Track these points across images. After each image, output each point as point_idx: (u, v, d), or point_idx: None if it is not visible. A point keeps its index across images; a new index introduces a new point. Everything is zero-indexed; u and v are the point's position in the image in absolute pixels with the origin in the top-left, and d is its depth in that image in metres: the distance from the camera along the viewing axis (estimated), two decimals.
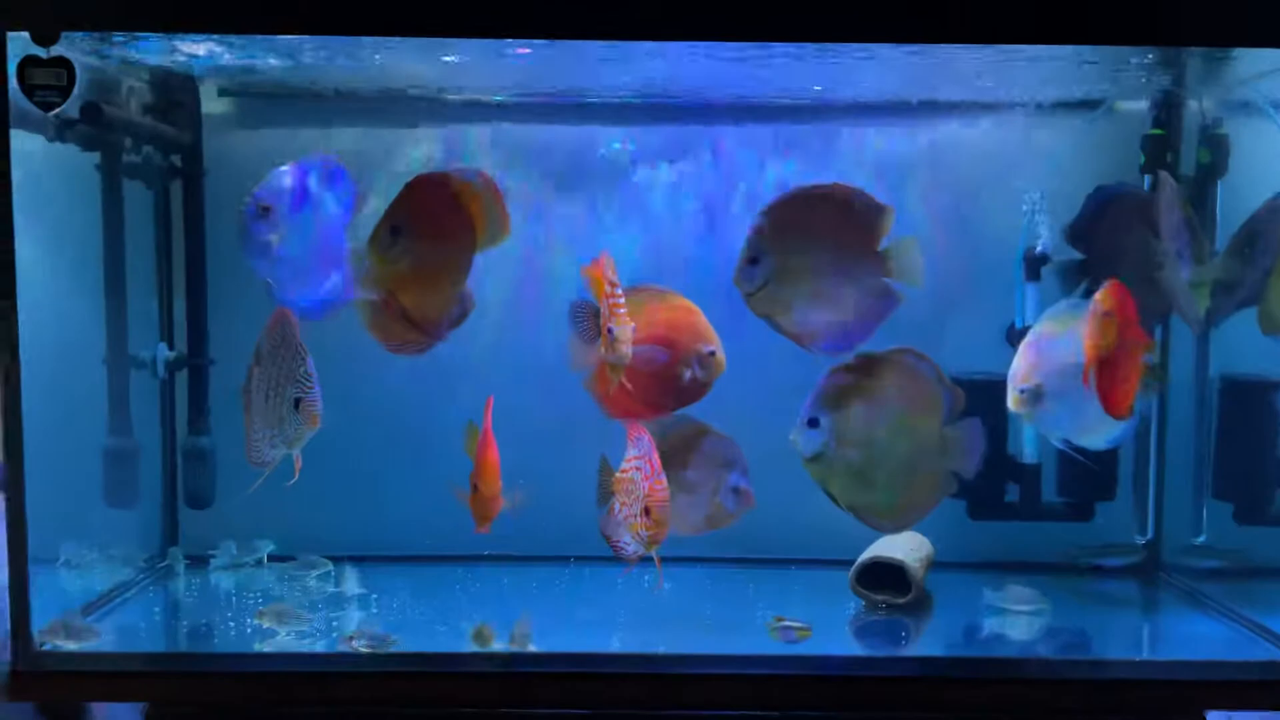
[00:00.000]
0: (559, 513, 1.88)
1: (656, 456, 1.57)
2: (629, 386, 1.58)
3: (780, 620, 1.65)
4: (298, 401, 1.54)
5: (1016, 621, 1.78)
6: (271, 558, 1.95)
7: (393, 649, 1.54)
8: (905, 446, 1.66)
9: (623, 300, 1.55)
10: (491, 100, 1.98)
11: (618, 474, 1.58)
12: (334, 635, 1.62)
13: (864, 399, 1.66)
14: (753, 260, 1.62)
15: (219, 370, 1.97)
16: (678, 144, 2.00)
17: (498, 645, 1.53)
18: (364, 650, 1.53)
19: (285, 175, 1.68)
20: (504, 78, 1.88)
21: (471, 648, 1.55)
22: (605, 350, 1.54)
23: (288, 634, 1.61)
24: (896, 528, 1.75)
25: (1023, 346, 1.70)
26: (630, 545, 1.57)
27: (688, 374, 1.66)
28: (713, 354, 1.67)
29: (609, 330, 1.54)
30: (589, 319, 1.65)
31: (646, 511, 1.51)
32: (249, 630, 1.65)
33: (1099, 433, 1.70)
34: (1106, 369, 1.58)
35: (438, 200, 1.61)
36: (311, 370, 1.54)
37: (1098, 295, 1.58)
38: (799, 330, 1.65)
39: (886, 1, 1.45)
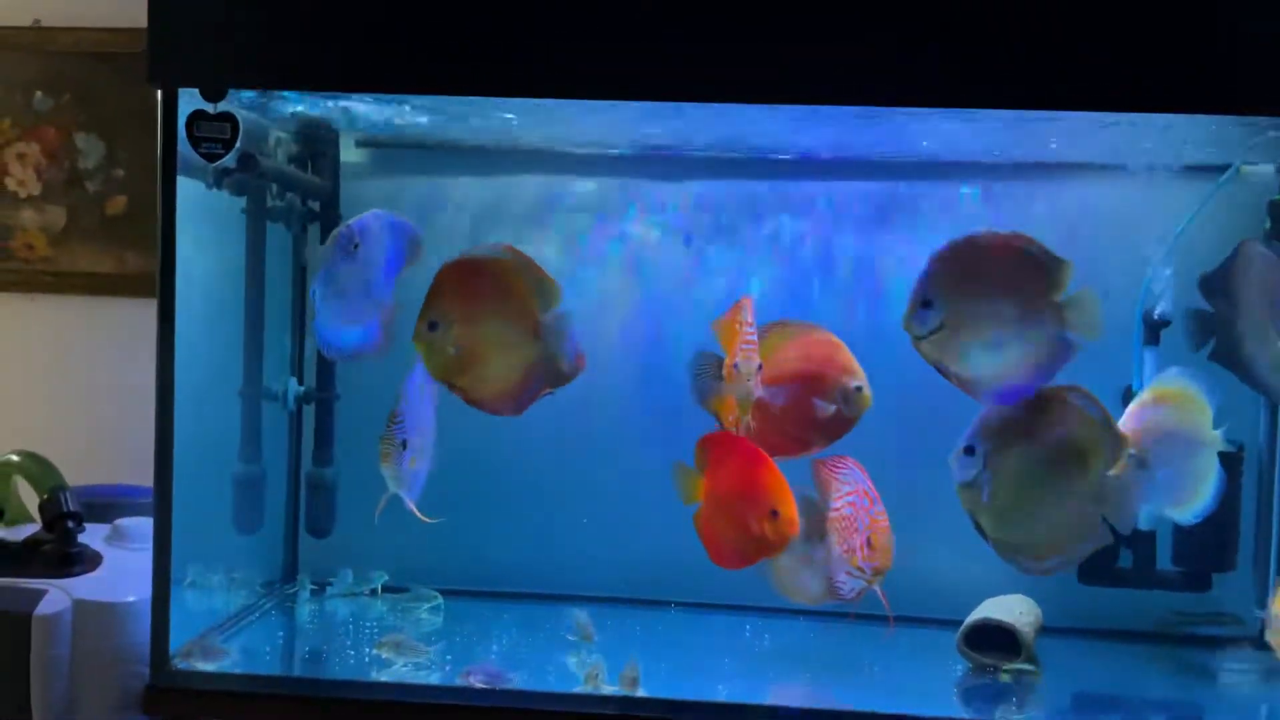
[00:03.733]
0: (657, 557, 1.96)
1: (870, 484, 1.58)
2: (752, 425, 1.59)
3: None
4: (405, 442, 1.65)
5: (1114, 692, 1.74)
6: (385, 588, 2.01)
7: (505, 685, 1.58)
8: (1061, 485, 1.62)
9: (754, 339, 1.57)
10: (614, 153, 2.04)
11: (830, 512, 1.58)
12: (448, 668, 1.66)
13: (1025, 431, 1.63)
14: (925, 304, 1.60)
15: (344, 405, 2.06)
16: (794, 197, 2.04)
17: (607, 688, 1.56)
18: (479, 685, 1.58)
19: (374, 219, 1.71)
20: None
21: (583, 688, 1.58)
22: (730, 384, 1.57)
23: (405, 665, 1.66)
24: (1039, 569, 1.69)
25: (1127, 411, 1.69)
26: (847, 584, 1.58)
27: (832, 409, 1.67)
28: (859, 389, 1.67)
29: (735, 366, 1.56)
30: (712, 367, 1.67)
31: (869, 543, 1.51)
32: (367, 659, 1.71)
33: (1193, 505, 1.66)
34: None
35: (469, 283, 1.62)
36: (400, 413, 1.64)
37: None
38: (969, 377, 1.62)
39: (1023, 69, 1.48)
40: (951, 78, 1.50)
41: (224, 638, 1.77)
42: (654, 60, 1.49)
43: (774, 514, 1.58)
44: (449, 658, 1.71)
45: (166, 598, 1.61)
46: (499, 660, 1.69)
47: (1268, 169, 1.92)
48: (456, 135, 2.01)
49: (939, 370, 1.63)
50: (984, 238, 1.62)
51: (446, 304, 1.60)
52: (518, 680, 1.59)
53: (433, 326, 1.59)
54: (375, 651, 1.69)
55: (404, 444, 1.68)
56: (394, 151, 2.09)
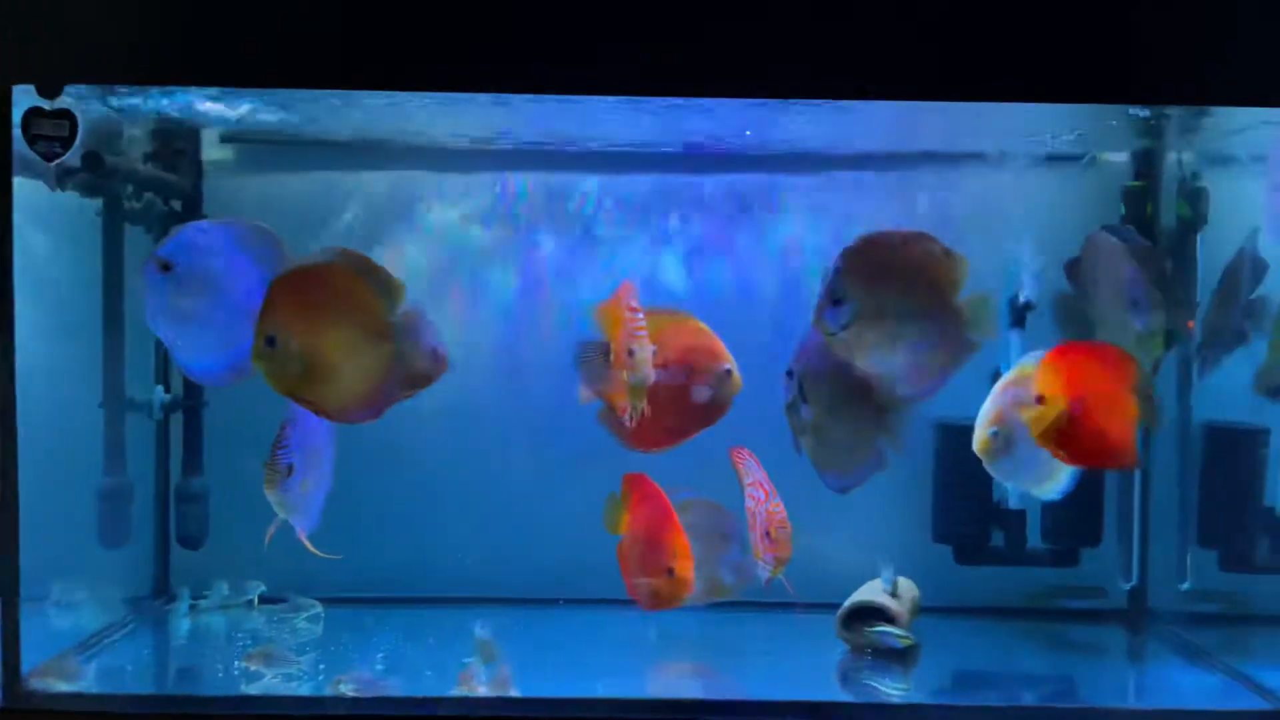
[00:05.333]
0: (546, 554, 1.94)
1: (765, 476, 1.62)
2: (647, 413, 1.60)
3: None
4: (290, 466, 1.62)
5: (997, 667, 1.79)
6: (263, 599, 1.96)
7: (380, 693, 1.55)
8: (855, 413, 1.68)
9: (643, 324, 1.57)
10: (496, 148, 2.01)
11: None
12: (321, 678, 1.63)
13: (833, 361, 1.67)
14: (836, 301, 1.62)
15: (213, 412, 2.00)
16: (666, 191, 2.05)
17: (481, 689, 1.54)
18: (350, 694, 1.54)
19: (197, 233, 1.65)
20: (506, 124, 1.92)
21: (457, 691, 1.56)
22: (627, 373, 1.57)
23: (275, 676, 1.62)
24: (838, 486, 1.75)
25: (992, 392, 1.73)
26: (764, 572, 1.63)
27: (706, 394, 1.67)
28: (729, 372, 1.68)
29: (630, 351, 1.56)
30: (597, 356, 1.67)
31: (767, 534, 1.53)
32: (236, 672, 1.66)
33: (1053, 482, 1.72)
34: (1091, 428, 1.60)
35: (305, 292, 1.55)
36: (286, 435, 1.61)
37: (1035, 379, 1.60)
38: (878, 373, 1.65)
39: (882, 61, 1.49)
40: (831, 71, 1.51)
41: (86, 656, 1.70)
42: (497, 53, 1.47)
43: (669, 571, 1.63)
44: (322, 667, 1.68)
45: (16, 616, 1.54)
46: (378, 667, 1.66)
47: (1122, 157, 1.99)
48: (329, 130, 1.95)
49: (850, 365, 1.65)
50: (890, 236, 1.65)
51: (282, 316, 1.52)
52: (391, 687, 1.56)
53: (271, 342, 1.52)
54: (243, 664, 1.65)
55: (290, 468, 1.64)
56: (261, 147, 2.03)
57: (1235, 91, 1.51)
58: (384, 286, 1.55)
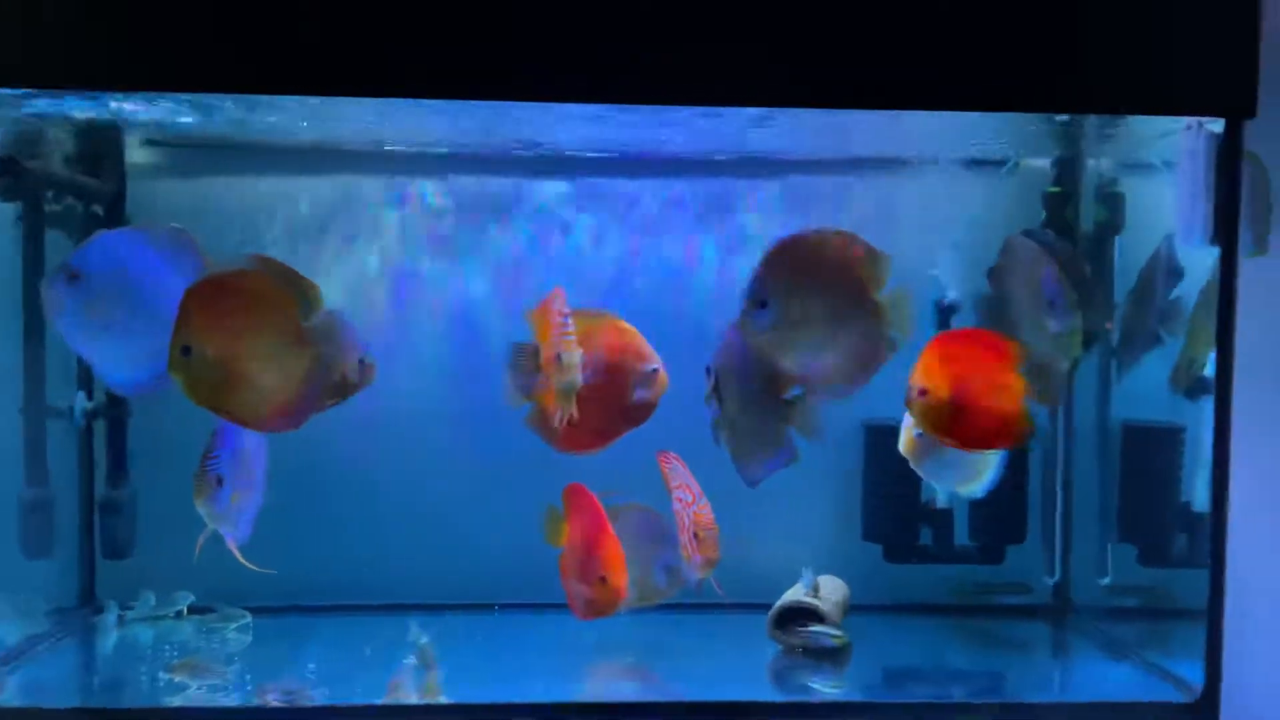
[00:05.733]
0: (482, 559, 1.94)
1: (692, 479, 1.64)
2: (575, 416, 1.60)
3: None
4: (220, 478, 1.61)
5: (927, 663, 1.82)
6: (191, 609, 1.93)
7: (309, 702, 1.54)
8: (765, 407, 1.71)
9: (572, 330, 1.58)
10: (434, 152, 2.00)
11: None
12: (249, 689, 1.61)
13: (744, 359, 1.69)
14: (761, 304, 1.64)
15: (138, 420, 1.97)
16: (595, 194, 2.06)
17: (410, 697, 1.53)
18: (276, 704, 1.53)
19: (109, 240, 1.62)
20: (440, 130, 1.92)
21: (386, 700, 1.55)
22: (555, 378, 1.57)
23: (200, 688, 1.60)
24: (750, 478, 1.76)
25: None
26: (694, 574, 1.65)
27: (634, 395, 1.68)
28: (655, 372, 1.69)
29: (558, 356, 1.56)
30: (528, 359, 1.67)
31: (695, 536, 1.57)
32: (161, 685, 1.63)
33: (978, 481, 1.76)
34: (976, 412, 1.63)
35: (220, 301, 1.53)
36: (216, 446, 1.59)
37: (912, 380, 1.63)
38: (803, 374, 1.68)
39: (799, 68, 1.51)
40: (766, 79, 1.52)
41: (9, 669, 1.67)
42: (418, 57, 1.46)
43: (602, 580, 1.65)
44: (249, 677, 1.66)
45: None
46: (308, 676, 1.65)
47: (1044, 162, 2.04)
48: (255, 133, 1.92)
49: (776, 367, 1.67)
50: (812, 236, 1.66)
51: (197, 326, 1.50)
52: (318, 696, 1.55)
53: (186, 352, 1.50)
54: (168, 675, 1.62)
55: (219, 480, 1.61)
56: (187, 151, 2.00)
57: (1145, 100, 1.55)
58: (299, 292, 1.53)
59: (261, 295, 1.51)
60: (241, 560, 1.67)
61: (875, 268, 1.64)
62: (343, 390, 1.55)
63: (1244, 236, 1.57)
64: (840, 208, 2.04)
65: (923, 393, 1.62)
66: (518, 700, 1.57)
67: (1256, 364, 1.65)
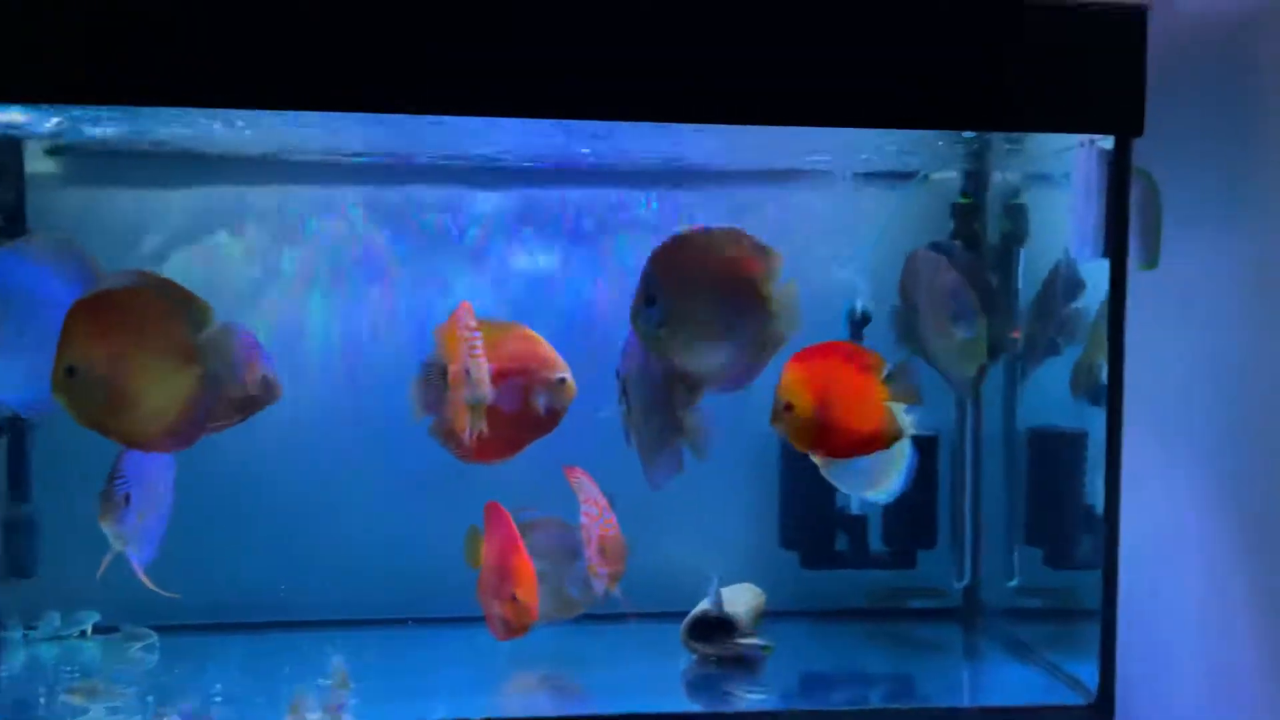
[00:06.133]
0: (400, 574, 1.92)
1: (600, 494, 1.66)
2: (485, 431, 1.59)
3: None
4: (128, 497, 1.58)
5: (842, 668, 1.85)
6: (96, 629, 1.88)
7: None
8: (665, 415, 1.72)
9: (480, 344, 1.57)
10: (348, 161, 1.98)
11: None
12: (149, 711, 1.58)
13: (648, 365, 1.71)
14: (649, 301, 1.65)
15: (41, 434, 1.91)
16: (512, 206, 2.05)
17: (312, 718, 1.51)
18: None
19: None
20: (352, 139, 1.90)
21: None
22: (465, 393, 1.56)
23: (99, 710, 1.56)
24: (654, 482, 1.77)
25: None
26: (601, 586, 1.67)
27: (541, 404, 1.68)
28: (563, 381, 1.69)
29: (467, 372, 1.55)
30: (437, 375, 1.66)
31: (601, 550, 1.59)
32: (59, 707, 1.59)
33: (884, 488, 1.79)
34: (840, 423, 1.67)
35: (105, 318, 1.50)
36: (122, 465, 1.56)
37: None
38: (694, 370, 1.68)
39: (713, 84, 1.52)
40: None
41: None
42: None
43: (514, 598, 1.66)
44: (150, 699, 1.62)
45: None
46: (213, 698, 1.62)
47: (952, 174, 2.09)
48: (165, 141, 1.88)
49: (669, 364, 1.68)
50: (700, 233, 1.68)
51: (82, 345, 1.46)
52: (219, 717, 1.52)
53: (71, 372, 1.46)
54: (66, 698, 1.58)
55: (126, 498, 1.58)
56: (92, 159, 1.95)
57: (1040, 118, 1.60)
58: (187, 307, 1.50)
59: (147, 312, 1.47)
60: (147, 582, 1.63)
61: (764, 263, 1.65)
62: (247, 406, 1.52)
63: (1135, 250, 1.62)
64: (753, 218, 2.05)
65: (788, 408, 1.65)
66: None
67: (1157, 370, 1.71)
